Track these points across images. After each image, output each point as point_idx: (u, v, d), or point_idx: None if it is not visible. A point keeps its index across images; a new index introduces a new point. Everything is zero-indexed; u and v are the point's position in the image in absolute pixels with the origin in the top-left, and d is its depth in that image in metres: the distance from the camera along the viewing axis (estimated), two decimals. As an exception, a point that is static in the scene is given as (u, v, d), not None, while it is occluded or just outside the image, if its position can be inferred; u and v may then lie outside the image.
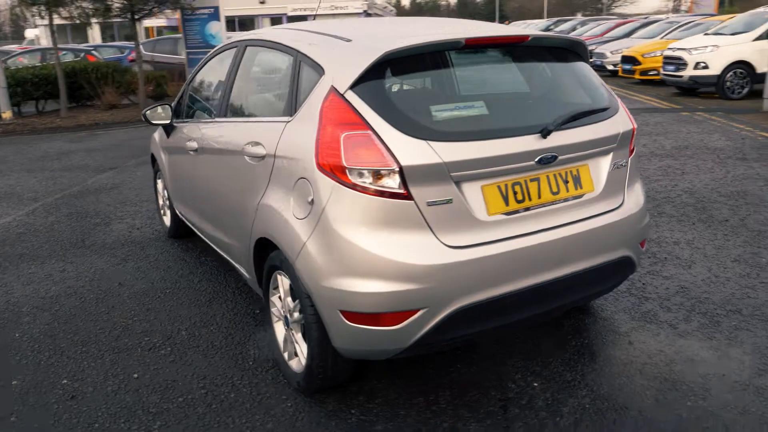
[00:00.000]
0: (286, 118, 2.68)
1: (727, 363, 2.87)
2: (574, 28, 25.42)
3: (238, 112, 3.31)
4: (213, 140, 3.35)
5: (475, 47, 2.55)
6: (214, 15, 14.15)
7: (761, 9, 12.50)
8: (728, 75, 11.35)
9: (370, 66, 2.35)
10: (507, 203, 2.41)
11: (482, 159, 2.33)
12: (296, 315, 2.68)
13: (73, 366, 3.10)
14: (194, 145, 3.62)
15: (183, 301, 3.80)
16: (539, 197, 2.48)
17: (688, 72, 11.76)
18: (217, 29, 14.17)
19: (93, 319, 3.63)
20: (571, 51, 2.81)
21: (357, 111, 2.33)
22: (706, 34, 12.68)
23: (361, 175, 2.27)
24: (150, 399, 2.78)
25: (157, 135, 4.79)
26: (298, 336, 2.71)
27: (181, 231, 4.88)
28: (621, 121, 2.75)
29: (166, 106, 4.22)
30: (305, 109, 2.56)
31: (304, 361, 2.67)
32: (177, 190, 4.38)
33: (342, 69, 2.45)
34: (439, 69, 2.59)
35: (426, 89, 2.61)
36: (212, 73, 3.88)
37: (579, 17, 34.48)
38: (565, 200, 2.55)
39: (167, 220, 5.06)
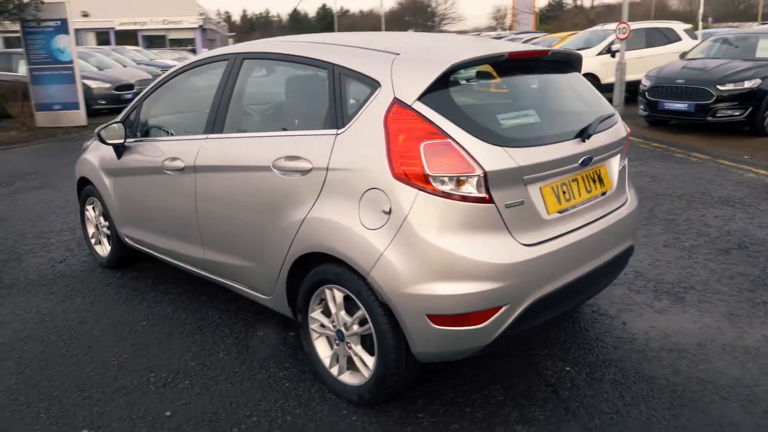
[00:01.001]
0: (331, 131, 2.67)
1: (710, 331, 3.34)
2: None
3: (247, 127, 3.18)
4: (216, 157, 3.18)
5: (514, 60, 2.75)
6: (62, 28, 12.95)
7: (598, 27, 14.26)
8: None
9: (438, 78, 2.46)
10: (560, 202, 2.63)
11: (544, 163, 2.53)
12: (355, 327, 2.67)
13: (85, 414, 2.78)
14: (179, 164, 3.40)
15: (168, 333, 3.54)
16: (579, 196, 2.74)
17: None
18: (65, 43, 12.96)
19: (73, 361, 3.25)
20: (569, 63, 3.12)
21: (430, 121, 2.41)
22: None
23: (443, 182, 2.36)
24: (201, 435, 2.60)
25: (93, 157, 4.38)
26: (358, 348, 2.70)
27: (123, 260, 4.51)
28: (622, 126, 3.11)
29: (120, 124, 3.90)
30: (361, 121, 2.57)
31: (367, 373, 2.67)
32: (131, 215, 4.04)
33: (405, 81, 2.51)
34: (488, 80, 2.75)
35: (484, 99, 2.74)
36: (186, 89, 3.67)
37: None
38: (595, 197, 2.83)
39: (102, 249, 4.63)
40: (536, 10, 48.77)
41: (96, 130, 3.87)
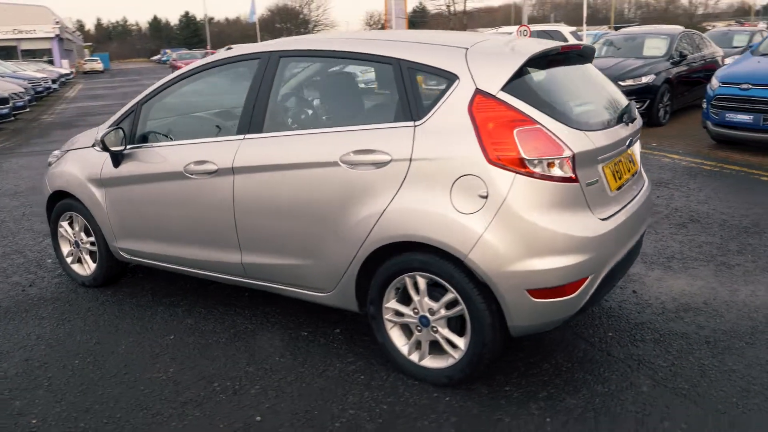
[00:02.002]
0: (407, 124, 2.75)
1: (708, 291, 3.79)
2: None
3: (300, 124, 3.15)
4: (263, 157, 3.11)
5: (563, 54, 2.98)
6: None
7: (493, 31, 15.11)
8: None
9: (519, 69, 2.63)
10: (616, 180, 2.90)
11: (610, 144, 2.79)
12: (443, 311, 2.77)
13: (165, 431, 2.64)
14: (210, 167, 3.29)
15: (204, 343, 3.41)
16: (625, 174, 3.03)
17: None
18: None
19: (115, 382, 3.05)
20: (586, 56, 3.41)
21: (517, 109, 2.58)
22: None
23: (536, 164, 2.53)
24: (306, 433, 2.57)
25: (75, 168, 4.07)
26: (445, 331, 2.79)
27: (111, 277, 4.24)
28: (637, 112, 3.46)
29: (120, 129, 3.68)
30: (441, 112, 2.68)
31: (458, 354, 2.77)
32: (133, 227, 3.82)
33: (485, 73, 2.66)
34: (547, 70, 2.95)
35: (552, 87, 2.93)
36: (202, 91, 3.55)
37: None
38: (632, 176, 3.14)
39: (83, 268, 4.32)
40: (408, 16, 50.42)
41: (98, 137, 3.62)
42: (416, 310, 2.85)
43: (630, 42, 11.04)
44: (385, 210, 2.76)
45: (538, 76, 2.83)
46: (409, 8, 51.48)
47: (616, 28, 34.31)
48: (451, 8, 38.63)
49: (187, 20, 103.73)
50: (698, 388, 2.79)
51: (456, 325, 2.80)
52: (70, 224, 4.31)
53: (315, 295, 3.18)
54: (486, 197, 2.55)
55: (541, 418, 2.62)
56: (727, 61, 11.52)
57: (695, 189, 6.16)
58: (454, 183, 2.61)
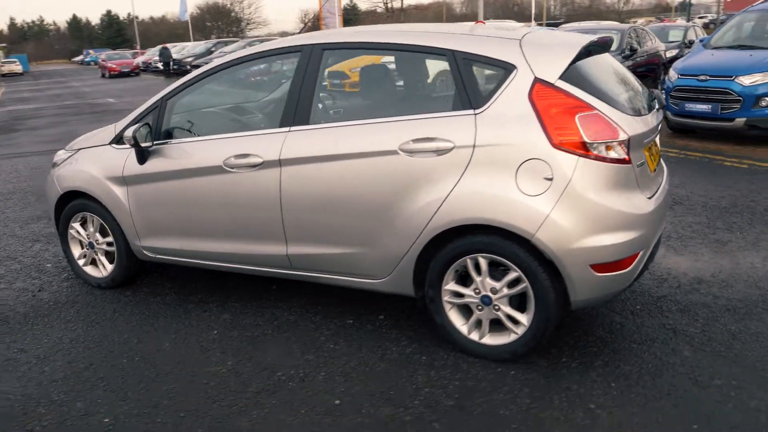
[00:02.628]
0: (467, 112, 2.88)
1: (712, 265, 4.10)
2: (210, 52, 26.78)
3: (351, 115, 3.21)
4: (314, 148, 3.16)
5: (597, 45, 3.18)
6: None
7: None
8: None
9: (574, 59, 2.81)
10: (653, 163, 3.13)
11: (650, 129, 3.02)
12: (505, 290, 2.91)
13: (245, 420, 2.67)
14: (254, 160, 3.31)
15: (251, 336, 3.42)
16: (656, 158, 3.27)
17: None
18: None
19: (174, 378, 3.04)
20: (606, 48, 3.62)
21: (575, 96, 2.76)
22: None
23: (596, 148, 2.72)
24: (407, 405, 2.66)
25: (91, 166, 3.97)
26: (507, 309, 2.94)
27: (129, 278, 4.17)
28: (653, 100, 3.71)
29: (147, 125, 3.63)
30: (502, 100, 2.83)
31: (521, 330, 2.93)
32: (162, 224, 3.76)
33: (542, 63, 2.82)
34: (585, 60, 3.12)
35: (597, 76, 3.09)
36: (235, 85, 3.54)
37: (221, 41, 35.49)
38: (658, 161, 3.38)
39: (98, 269, 4.22)
40: (342, 13, 50.17)
41: (129, 133, 3.55)
42: (477, 290, 2.98)
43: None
44: (448, 195, 2.88)
45: (582, 65, 3.01)
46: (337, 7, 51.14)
47: (548, 25, 35.59)
48: (389, 5, 39.03)
49: (110, 19, 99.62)
50: (733, 350, 3.05)
51: (515, 302, 2.95)
52: (83, 225, 4.20)
53: (367, 282, 3.26)
54: (551, 179, 2.72)
55: (604, 383, 2.81)
56: (668, 54, 12.25)
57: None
58: (519, 167, 2.76)
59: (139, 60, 36.11)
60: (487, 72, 2.93)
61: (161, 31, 71.98)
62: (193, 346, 3.36)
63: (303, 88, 3.28)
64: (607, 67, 3.27)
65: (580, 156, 2.70)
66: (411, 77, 3.29)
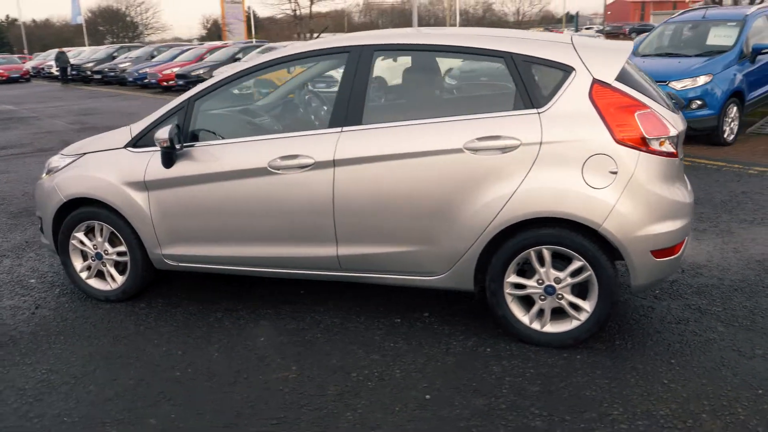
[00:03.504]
0: (530, 111, 3.02)
1: (707, 252, 4.49)
2: (153, 55, 25.60)
3: (409, 115, 3.24)
4: (372, 148, 3.16)
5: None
6: None
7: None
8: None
9: (626, 60, 3.03)
10: (683, 157, 3.42)
11: (686, 127, 3.29)
12: (569, 279, 3.07)
13: (377, 416, 2.65)
14: (305, 161, 3.27)
15: (300, 341, 3.37)
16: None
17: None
18: None
19: (241, 388, 2.95)
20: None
21: (630, 95, 2.98)
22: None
23: (653, 143, 2.94)
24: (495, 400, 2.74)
25: (104, 171, 3.73)
26: (570, 297, 3.10)
27: (142, 288, 3.96)
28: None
29: (176, 126, 3.48)
30: (563, 100, 2.99)
31: (583, 316, 3.09)
32: (190, 230, 3.61)
33: (598, 65, 3.02)
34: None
35: (638, 78, 3.30)
36: (286, 86, 3.48)
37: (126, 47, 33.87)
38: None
39: (102, 282, 3.97)
40: (246, 20, 49.15)
41: (164, 135, 3.37)
42: (540, 281, 3.12)
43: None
44: (515, 191, 3.00)
45: (626, 67, 3.24)
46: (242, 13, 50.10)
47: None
48: (297, 12, 38.82)
49: (8, 23, 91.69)
50: (757, 324, 3.39)
51: (575, 290, 3.12)
52: (89, 235, 3.93)
53: (424, 279, 3.31)
54: (616, 173, 2.91)
55: (665, 361, 3.03)
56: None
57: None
58: (585, 162, 2.93)
59: (29, 65, 33.60)
60: (548, 73, 3.08)
61: (46, 35, 67.03)
62: (244, 354, 3.25)
63: (354, 88, 3.28)
64: (638, 71, 3.53)
65: (640, 151, 2.92)
66: (471, 78, 3.40)
